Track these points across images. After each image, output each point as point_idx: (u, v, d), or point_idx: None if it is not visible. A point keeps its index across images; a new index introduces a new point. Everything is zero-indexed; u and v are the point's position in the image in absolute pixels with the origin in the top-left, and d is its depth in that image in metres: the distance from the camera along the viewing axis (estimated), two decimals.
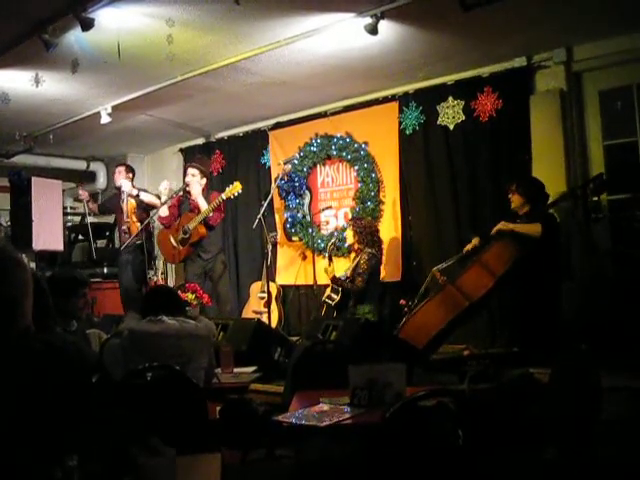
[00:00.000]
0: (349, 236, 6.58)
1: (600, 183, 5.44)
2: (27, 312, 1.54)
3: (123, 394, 2.98)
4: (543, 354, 4.37)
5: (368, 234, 6.37)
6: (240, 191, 6.82)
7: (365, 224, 6.47)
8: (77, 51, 5.42)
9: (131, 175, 7.68)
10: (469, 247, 5.59)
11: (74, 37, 5.11)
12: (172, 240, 7.04)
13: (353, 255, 6.80)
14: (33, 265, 7.60)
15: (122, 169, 7.65)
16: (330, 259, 6.70)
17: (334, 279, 6.45)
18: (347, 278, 6.40)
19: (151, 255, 7.49)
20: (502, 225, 5.38)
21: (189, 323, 3.70)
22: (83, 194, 7.95)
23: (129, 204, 7.47)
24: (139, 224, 7.21)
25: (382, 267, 6.98)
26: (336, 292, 6.42)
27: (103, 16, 4.75)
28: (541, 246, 5.20)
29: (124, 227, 7.49)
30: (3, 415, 1.43)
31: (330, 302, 6.43)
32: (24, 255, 7.19)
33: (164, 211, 7.11)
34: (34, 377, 1.53)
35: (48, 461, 1.46)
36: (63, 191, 8.60)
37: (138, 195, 7.39)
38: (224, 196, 6.77)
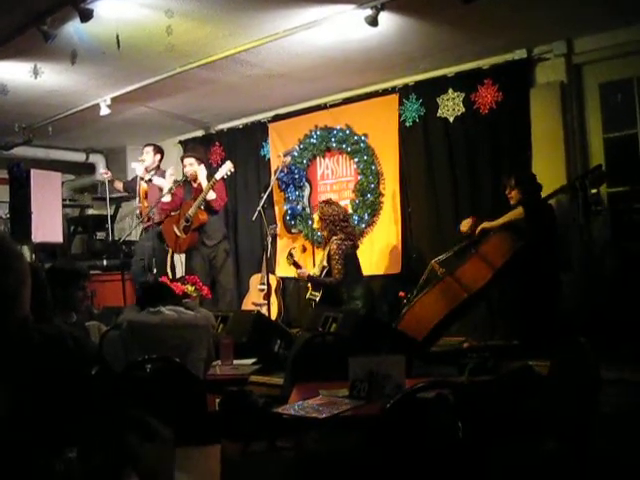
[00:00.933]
0: (315, 221, 6.39)
1: (599, 175, 5.44)
2: (25, 303, 1.54)
3: (123, 386, 2.98)
4: (542, 346, 4.37)
5: (330, 222, 6.14)
6: (232, 169, 6.88)
7: (330, 211, 6.18)
8: (76, 42, 5.39)
9: (159, 156, 7.67)
10: (468, 221, 5.59)
11: (73, 28, 5.09)
12: (175, 229, 7.13)
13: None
14: (33, 257, 7.59)
15: (149, 149, 7.63)
16: (296, 265, 6.46)
17: (310, 278, 6.29)
18: (323, 270, 6.19)
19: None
20: (485, 224, 5.44)
21: (187, 313, 3.72)
22: (106, 173, 7.95)
23: (141, 187, 7.48)
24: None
25: (382, 260, 6.99)
26: (317, 289, 6.27)
27: (102, 7, 4.73)
28: (539, 237, 5.21)
29: (137, 211, 7.52)
30: (2, 407, 1.43)
31: (314, 299, 6.31)
32: (23, 247, 7.20)
33: (167, 198, 7.17)
34: (33, 368, 1.53)
35: (48, 453, 1.46)
36: (62, 183, 8.61)
37: (151, 180, 7.40)
38: (217, 176, 6.82)
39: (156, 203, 7.15)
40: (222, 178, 6.92)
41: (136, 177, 7.76)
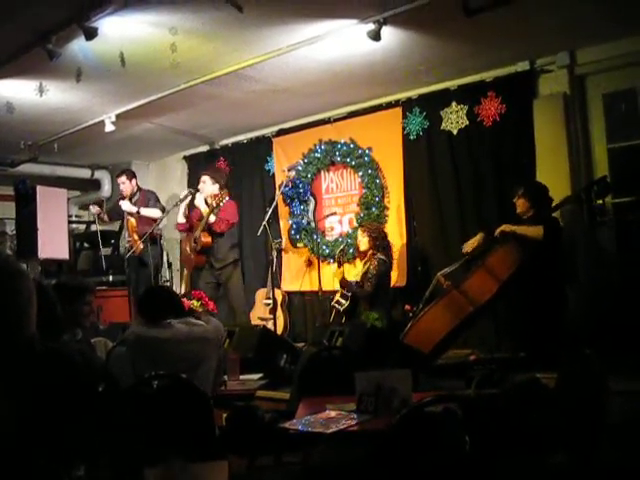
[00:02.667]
0: (363, 242, 6.51)
1: (604, 186, 5.43)
2: (32, 322, 1.55)
3: (130, 402, 2.98)
4: (549, 358, 4.36)
5: (382, 238, 6.41)
6: (192, 191, 7.03)
7: (379, 228, 6.55)
8: (81, 60, 5.43)
9: (135, 180, 7.76)
10: (473, 243, 5.57)
11: (78, 46, 5.13)
12: (188, 248, 7.21)
13: (359, 262, 6.80)
14: (39, 274, 7.62)
15: (124, 179, 7.71)
16: (340, 264, 6.73)
17: (343, 281, 6.48)
18: (357, 283, 6.41)
19: (157, 265, 7.51)
20: (505, 227, 5.40)
21: (198, 326, 3.66)
22: (95, 210, 8.01)
23: (129, 223, 7.55)
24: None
25: None
26: (345, 297, 6.43)
27: (106, 25, 4.76)
28: (545, 250, 5.20)
29: (127, 245, 7.57)
30: (13, 423, 1.44)
31: (339, 307, 6.44)
32: (29, 264, 7.22)
33: (181, 218, 7.29)
34: (41, 384, 1.53)
35: (56, 470, 1.47)
36: (68, 199, 8.63)
37: (139, 212, 7.48)
38: (214, 203, 6.85)
39: (152, 229, 7.17)
40: (215, 201, 6.87)
41: (117, 202, 7.89)
